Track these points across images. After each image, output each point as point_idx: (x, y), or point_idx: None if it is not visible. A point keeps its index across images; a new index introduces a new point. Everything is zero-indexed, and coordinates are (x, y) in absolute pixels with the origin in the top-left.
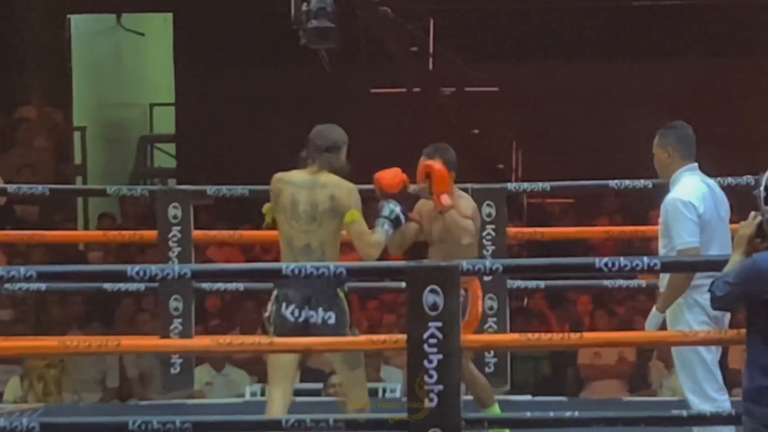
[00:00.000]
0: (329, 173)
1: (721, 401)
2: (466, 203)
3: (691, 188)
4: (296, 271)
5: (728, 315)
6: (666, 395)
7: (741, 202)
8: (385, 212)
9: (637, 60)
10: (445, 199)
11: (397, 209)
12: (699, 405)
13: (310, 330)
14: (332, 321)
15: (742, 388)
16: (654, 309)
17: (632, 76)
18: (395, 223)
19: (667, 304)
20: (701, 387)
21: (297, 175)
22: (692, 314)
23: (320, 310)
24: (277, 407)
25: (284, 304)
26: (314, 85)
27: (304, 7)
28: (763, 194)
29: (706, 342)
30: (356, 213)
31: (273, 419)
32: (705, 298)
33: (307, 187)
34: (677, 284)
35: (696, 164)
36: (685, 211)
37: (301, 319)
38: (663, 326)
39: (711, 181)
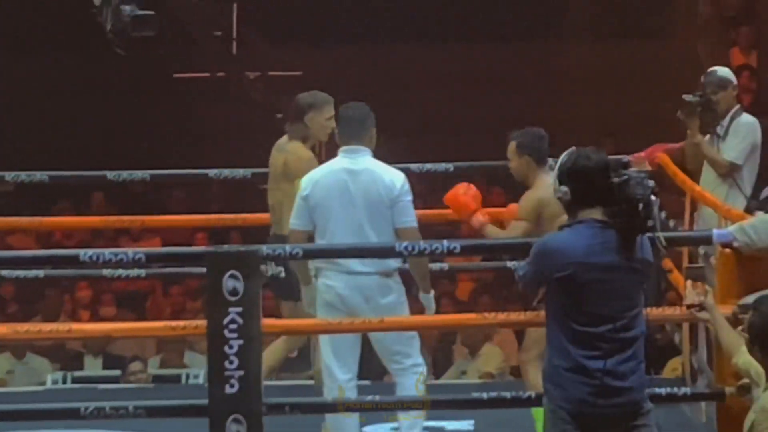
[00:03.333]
0: (297, 140)
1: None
2: (527, 197)
3: (314, 171)
4: (94, 258)
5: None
6: (472, 377)
7: None
8: None
9: (438, 44)
10: (475, 222)
11: None
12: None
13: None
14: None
15: (542, 369)
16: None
17: (432, 60)
18: None
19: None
20: (329, 370)
21: (280, 140)
22: (319, 298)
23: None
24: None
25: None
26: (116, 69)
27: None
28: (556, 173)
29: (504, 324)
30: (299, 183)
31: (72, 407)
32: (323, 282)
33: (275, 150)
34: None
35: (353, 147)
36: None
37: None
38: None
39: (358, 166)
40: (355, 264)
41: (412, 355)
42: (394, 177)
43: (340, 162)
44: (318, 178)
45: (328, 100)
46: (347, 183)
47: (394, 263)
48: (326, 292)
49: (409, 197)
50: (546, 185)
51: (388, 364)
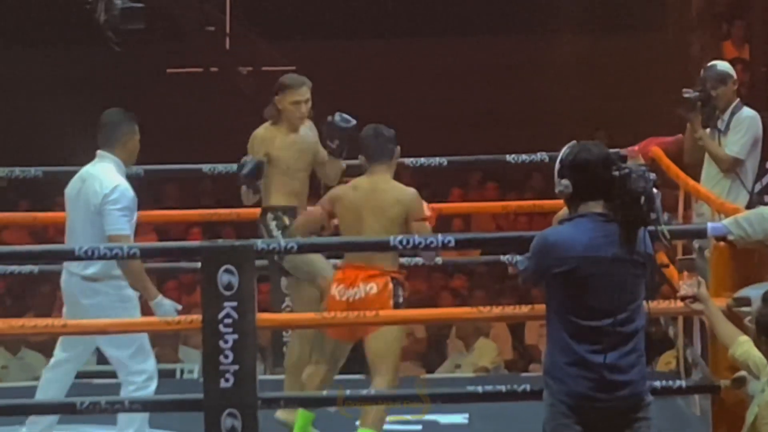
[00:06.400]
0: (268, 120)
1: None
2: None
3: None
4: (89, 252)
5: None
6: (466, 371)
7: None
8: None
9: (429, 39)
10: None
11: (251, 164)
12: None
13: None
14: None
15: (542, 363)
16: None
17: (424, 54)
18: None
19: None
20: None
21: None
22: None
23: None
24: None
25: None
26: (109, 64)
27: None
28: (557, 167)
29: (501, 318)
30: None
31: (68, 402)
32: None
33: None
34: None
35: (99, 152)
36: None
37: None
38: None
39: (90, 172)
40: (72, 265)
41: (129, 366)
42: (103, 185)
43: (86, 167)
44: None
45: (294, 84)
46: (79, 189)
47: (103, 268)
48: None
49: (118, 206)
50: (356, 182)
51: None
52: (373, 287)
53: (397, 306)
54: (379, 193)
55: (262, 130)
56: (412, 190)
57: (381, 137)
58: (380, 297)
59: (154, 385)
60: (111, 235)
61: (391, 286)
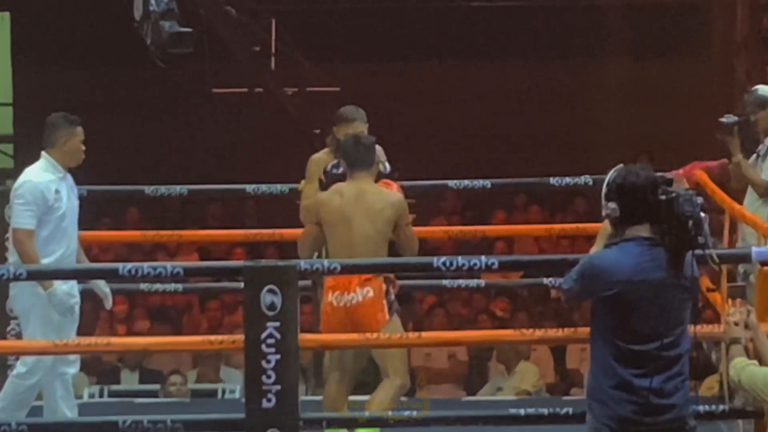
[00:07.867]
0: (327, 148)
1: None
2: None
3: None
4: (132, 271)
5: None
6: (508, 394)
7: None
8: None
9: (475, 61)
10: None
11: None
12: None
13: None
14: None
15: (585, 386)
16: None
17: (469, 77)
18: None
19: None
20: None
21: None
22: None
23: None
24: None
25: None
26: (156, 84)
27: (151, 6)
28: (604, 190)
29: (543, 341)
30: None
31: (111, 421)
32: None
33: None
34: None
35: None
36: None
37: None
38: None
39: None
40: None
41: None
42: (18, 181)
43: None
44: None
45: (348, 117)
46: None
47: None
48: None
49: (21, 200)
50: (338, 187)
51: None
52: (369, 291)
53: (390, 304)
54: (369, 196)
55: (322, 155)
56: (400, 194)
57: (360, 146)
58: (377, 300)
59: (32, 380)
60: (12, 228)
61: (384, 287)
